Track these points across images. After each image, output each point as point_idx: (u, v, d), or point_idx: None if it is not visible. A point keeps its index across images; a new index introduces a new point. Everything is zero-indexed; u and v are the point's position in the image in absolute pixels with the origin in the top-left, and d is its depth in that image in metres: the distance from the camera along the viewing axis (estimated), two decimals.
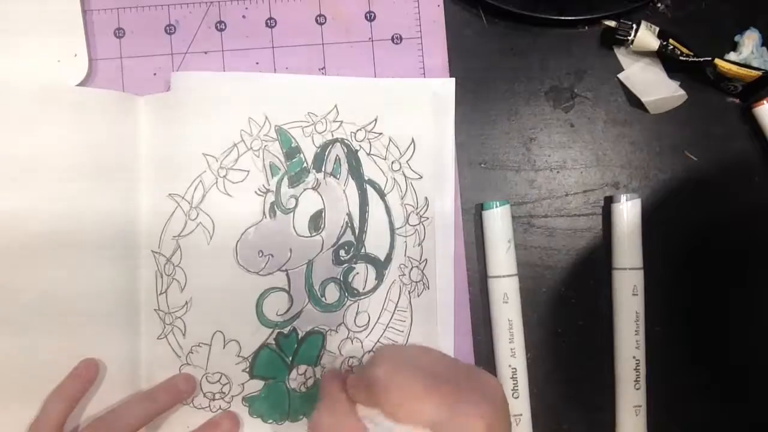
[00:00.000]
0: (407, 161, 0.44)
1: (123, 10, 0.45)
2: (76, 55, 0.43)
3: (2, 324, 0.41)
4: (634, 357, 0.43)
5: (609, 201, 0.45)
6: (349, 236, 0.43)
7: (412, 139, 0.44)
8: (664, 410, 0.44)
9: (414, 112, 0.44)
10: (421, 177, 0.44)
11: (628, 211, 0.43)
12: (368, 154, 0.44)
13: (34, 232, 0.41)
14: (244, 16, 0.45)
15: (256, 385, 0.43)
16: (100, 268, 0.42)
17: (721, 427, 0.44)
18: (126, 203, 0.42)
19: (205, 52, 0.45)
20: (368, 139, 0.44)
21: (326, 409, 0.35)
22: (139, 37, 0.45)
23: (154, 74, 0.44)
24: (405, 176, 0.44)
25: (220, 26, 0.45)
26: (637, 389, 0.43)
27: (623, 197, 0.43)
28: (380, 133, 0.44)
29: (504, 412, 0.33)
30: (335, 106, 0.44)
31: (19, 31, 0.43)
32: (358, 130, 0.44)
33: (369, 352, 0.43)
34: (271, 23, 0.45)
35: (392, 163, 0.44)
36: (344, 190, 0.43)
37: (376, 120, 0.44)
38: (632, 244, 0.43)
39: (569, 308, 0.45)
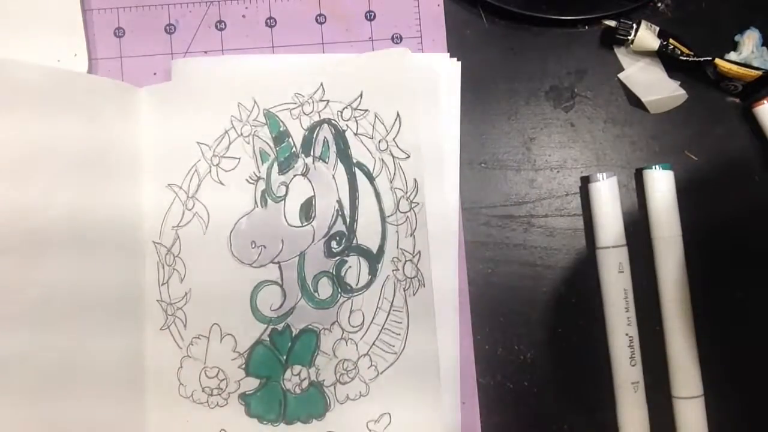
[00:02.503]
0: (394, 139, 0.43)
1: (123, 9, 0.45)
2: (76, 54, 0.43)
3: (4, 319, 0.41)
4: (626, 334, 0.43)
5: (586, 182, 0.45)
6: (340, 226, 0.43)
7: (398, 114, 0.43)
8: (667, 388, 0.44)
9: (397, 84, 0.43)
10: (409, 156, 0.43)
11: (606, 189, 0.44)
12: (356, 134, 0.43)
13: (37, 224, 0.41)
14: (244, 16, 0.45)
15: (251, 383, 0.43)
16: (105, 258, 0.42)
17: (722, 402, 0.44)
18: (129, 194, 0.42)
19: (205, 52, 0.45)
20: (354, 117, 0.43)
21: None
22: (139, 37, 0.45)
23: (154, 74, 0.45)
24: (392, 155, 0.43)
25: (220, 26, 0.45)
26: (633, 366, 0.43)
27: (600, 176, 0.44)
28: (366, 110, 0.43)
29: None
30: (321, 84, 0.43)
31: (18, 31, 0.43)
32: (344, 108, 0.43)
33: (364, 355, 0.43)
34: (271, 23, 0.45)
35: (379, 141, 0.43)
36: (333, 175, 0.43)
37: (361, 95, 0.43)
38: (613, 221, 0.44)
39: (569, 308, 0.45)
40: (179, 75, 0.43)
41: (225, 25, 0.45)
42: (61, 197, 0.41)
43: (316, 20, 0.45)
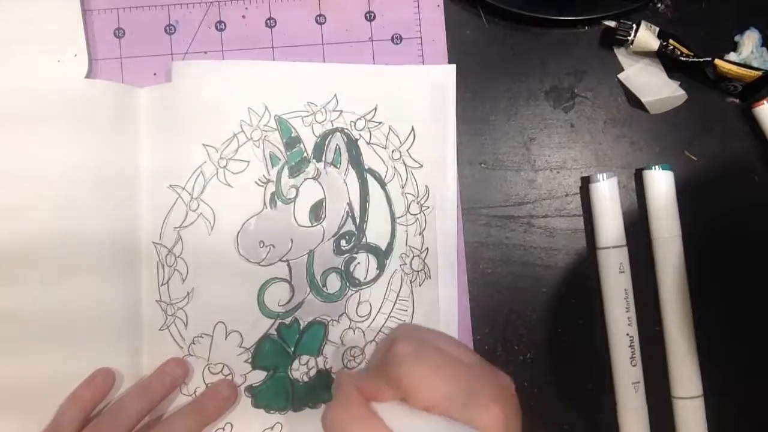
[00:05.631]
0: (407, 150, 0.44)
1: (123, 10, 0.45)
2: (76, 55, 0.43)
3: (2, 316, 0.41)
4: (627, 334, 0.43)
5: (586, 182, 0.45)
6: (350, 226, 0.43)
7: (412, 128, 0.44)
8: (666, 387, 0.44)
9: (414, 100, 0.44)
10: (422, 166, 0.44)
11: (606, 190, 0.44)
12: (368, 143, 0.44)
13: (35, 225, 0.41)
14: (244, 16, 0.45)
15: (258, 376, 0.43)
16: (101, 259, 0.42)
17: (722, 402, 0.44)
18: (127, 194, 0.42)
19: (205, 52, 0.45)
20: (368, 128, 0.44)
21: (340, 404, 0.34)
22: (139, 37, 0.45)
23: (154, 74, 0.44)
24: (405, 165, 0.44)
25: (220, 26, 0.45)
26: (634, 366, 0.43)
27: (600, 176, 0.44)
28: (380, 122, 0.44)
29: (515, 409, 0.33)
30: (335, 95, 0.44)
31: (19, 31, 0.43)
32: (358, 119, 0.44)
33: (371, 341, 0.43)
34: (271, 23, 0.45)
35: (392, 151, 0.44)
36: (344, 180, 0.44)
37: (375, 109, 0.44)
38: (613, 221, 0.44)
39: (569, 308, 0.45)
40: (180, 77, 0.43)
41: (225, 25, 0.45)
42: (55, 198, 0.41)
43: (316, 20, 0.45)
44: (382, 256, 0.44)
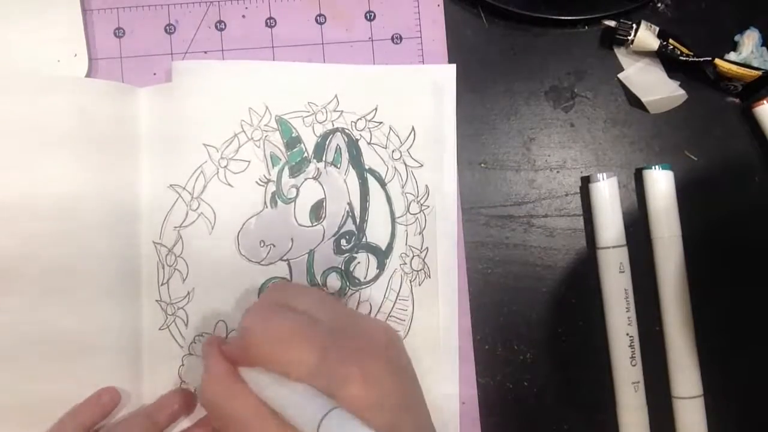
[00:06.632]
0: (408, 150, 0.44)
1: (123, 9, 0.45)
2: (76, 54, 0.43)
3: (2, 313, 0.41)
4: (627, 334, 0.43)
5: (586, 182, 0.45)
6: (350, 225, 0.43)
7: (413, 128, 0.44)
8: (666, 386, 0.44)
9: (414, 100, 0.44)
10: (422, 165, 0.44)
11: (606, 189, 0.44)
12: (369, 144, 0.44)
13: (34, 222, 0.41)
14: (244, 16, 0.45)
15: None
16: (100, 258, 0.42)
17: (722, 402, 0.44)
18: (126, 194, 0.42)
19: (205, 52, 0.45)
20: (369, 128, 0.44)
21: (209, 377, 0.34)
22: (139, 37, 0.45)
23: (154, 74, 0.45)
24: (405, 165, 0.44)
25: (220, 26, 0.45)
26: (634, 365, 0.43)
27: (600, 176, 0.44)
28: (380, 122, 0.44)
29: (390, 359, 0.32)
30: (335, 95, 0.44)
31: (18, 30, 0.43)
32: (358, 120, 0.44)
33: None
34: (271, 23, 0.45)
35: (393, 151, 0.44)
36: (345, 180, 0.44)
37: (376, 109, 0.44)
38: (613, 221, 0.44)
39: (569, 308, 0.45)
40: (180, 76, 0.43)
41: (225, 25, 0.45)
42: (54, 196, 0.41)
43: (316, 20, 0.45)
44: (382, 255, 0.44)
